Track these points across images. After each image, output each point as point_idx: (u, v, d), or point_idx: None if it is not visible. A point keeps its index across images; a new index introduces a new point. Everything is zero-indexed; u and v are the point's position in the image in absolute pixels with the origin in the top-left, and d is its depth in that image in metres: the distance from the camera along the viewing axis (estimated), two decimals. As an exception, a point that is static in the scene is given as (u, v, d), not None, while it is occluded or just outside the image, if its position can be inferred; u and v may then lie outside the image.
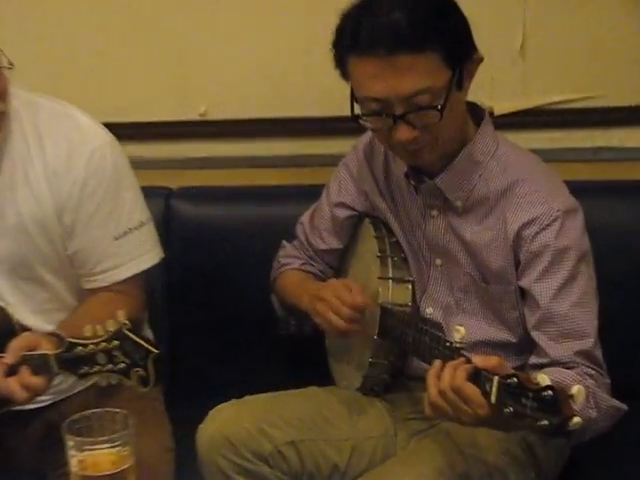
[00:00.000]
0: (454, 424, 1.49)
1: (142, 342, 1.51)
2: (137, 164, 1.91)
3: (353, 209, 1.93)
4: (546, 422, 1.26)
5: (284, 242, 2.06)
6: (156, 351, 1.51)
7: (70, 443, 1.45)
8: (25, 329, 1.72)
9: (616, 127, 2.28)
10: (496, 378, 1.34)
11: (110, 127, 1.85)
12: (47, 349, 1.58)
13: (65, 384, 1.83)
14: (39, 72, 2.31)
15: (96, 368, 1.53)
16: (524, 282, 1.67)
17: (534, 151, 1.81)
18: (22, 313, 1.78)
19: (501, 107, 2.25)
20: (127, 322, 1.51)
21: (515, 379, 1.31)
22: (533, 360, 1.65)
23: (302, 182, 2.30)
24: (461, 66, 1.59)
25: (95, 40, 2.38)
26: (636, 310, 2.07)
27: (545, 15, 2.23)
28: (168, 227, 2.23)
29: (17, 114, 1.76)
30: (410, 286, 1.81)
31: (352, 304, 1.71)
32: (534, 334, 1.65)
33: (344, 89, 1.65)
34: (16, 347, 1.60)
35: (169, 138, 2.43)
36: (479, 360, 1.40)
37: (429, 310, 1.80)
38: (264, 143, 2.39)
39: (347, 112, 1.64)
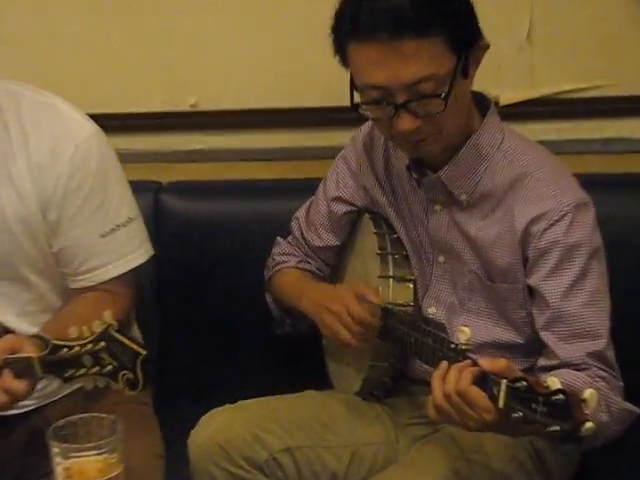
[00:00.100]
0: (459, 429, 1.48)
1: (130, 343, 1.50)
2: (125, 157, 1.90)
3: (352, 204, 1.92)
4: (557, 428, 1.25)
5: (278, 239, 2.06)
6: (144, 352, 1.50)
7: (55, 450, 1.44)
8: (8, 332, 1.71)
9: (627, 117, 2.28)
10: (504, 382, 1.34)
11: (96, 118, 1.83)
12: (30, 350, 1.57)
13: (50, 388, 1.82)
14: (23, 61, 2.31)
15: (82, 371, 1.52)
16: (532, 280, 1.66)
17: (541, 143, 1.80)
18: (5, 315, 1.78)
19: (507, 97, 2.24)
20: (114, 323, 1.51)
21: (524, 382, 1.31)
22: (542, 362, 1.65)
23: (298, 176, 2.29)
24: (467, 52, 1.58)
25: (80, 28, 2.37)
26: (651, 308, 2.06)
27: (553, 0, 2.23)
28: (158, 223, 2.22)
29: None
30: (412, 285, 1.80)
31: (363, 321, 1.70)
32: (543, 335, 1.65)
33: (344, 78, 1.64)
34: None
35: (158, 130, 2.42)
36: (486, 363, 1.40)
37: (431, 310, 1.80)
38: (258, 135, 2.39)
39: (347, 102, 1.63)
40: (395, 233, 1.85)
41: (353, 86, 1.62)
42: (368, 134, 1.89)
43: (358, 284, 1.79)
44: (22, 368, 1.56)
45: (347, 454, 1.78)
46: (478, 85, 1.69)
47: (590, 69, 2.25)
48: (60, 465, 1.44)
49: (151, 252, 1.89)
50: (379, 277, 1.80)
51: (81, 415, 1.49)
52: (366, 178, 1.89)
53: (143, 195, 2.06)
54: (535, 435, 1.48)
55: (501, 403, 1.34)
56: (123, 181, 1.85)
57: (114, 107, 2.36)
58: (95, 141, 1.79)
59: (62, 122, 1.77)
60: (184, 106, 2.39)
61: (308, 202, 2.01)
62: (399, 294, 1.78)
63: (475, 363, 1.42)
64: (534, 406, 1.28)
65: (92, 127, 1.81)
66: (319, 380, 1.96)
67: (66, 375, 1.53)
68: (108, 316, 1.51)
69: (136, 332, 1.98)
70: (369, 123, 1.85)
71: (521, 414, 1.30)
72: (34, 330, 1.74)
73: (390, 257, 1.82)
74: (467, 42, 1.59)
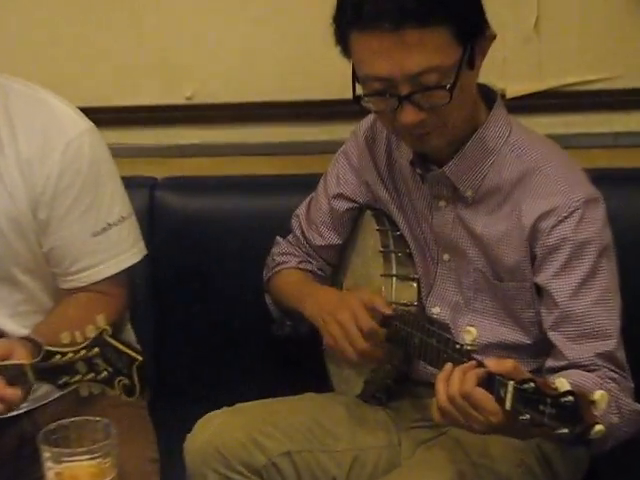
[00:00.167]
0: (464, 432, 1.48)
1: (124, 349, 1.50)
2: (118, 152, 1.90)
3: (353, 201, 1.92)
4: (566, 430, 1.25)
5: (278, 238, 2.05)
6: (140, 358, 1.51)
7: (46, 454, 1.44)
8: (1, 335, 1.71)
9: (636, 110, 2.28)
10: (511, 383, 1.33)
11: (88, 112, 1.83)
12: (21, 356, 1.57)
13: (40, 391, 1.82)
14: (15, 54, 2.31)
15: (77, 377, 1.52)
16: (540, 278, 1.65)
17: (549, 137, 1.80)
18: (-2, 317, 1.77)
19: (513, 89, 2.24)
20: (107, 328, 1.51)
21: (532, 384, 1.30)
22: (550, 363, 1.64)
23: (299, 171, 2.29)
24: (472, 42, 1.58)
25: (75, 21, 2.37)
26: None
27: (560, -9, 2.24)
28: (153, 220, 2.22)
29: None
30: (415, 284, 1.80)
31: (371, 333, 1.69)
32: (551, 335, 1.64)
33: (345, 70, 1.63)
34: None
35: (153, 124, 2.42)
36: (492, 364, 1.39)
37: (436, 309, 1.79)
38: (257, 129, 2.39)
39: (349, 95, 1.62)
40: (398, 230, 1.84)
41: (355, 77, 1.62)
42: (370, 128, 1.88)
43: (366, 291, 1.78)
44: (15, 375, 1.56)
45: (348, 459, 1.78)
46: (484, 78, 1.69)
47: (599, 61, 2.25)
48: (51, 470, 1.44)
49: (144, 252, 1.88)
50: (381, 276, 1.79)
51: (73, 419, 1.50)
52: (368, 173, 1.88)
53: (137, 191, 2.07)
54: (543, 437, 1.48)
55: (508, 405, 1.33)
56: (116, 178, 1.84)
57: (108, 100, 2.36)
58: (87, 138, 1.78)
59: (53, 117, 1.76)
60: (180, 99, 2.39)
61: (308, 199, 2.01)
62: (402, 293, 1.78)
63: (481, 364, 1.42)
64: (542, 408, 1.27)
65: (85, 123, 1.79)
66: (319, 382, 1.96)
67: (60, 382, 1.53)
68: (101, 321, 1.51)
69: (130, 333, 1.98)
70: (371, 117, 1.85)
71: (528, 416, 1.29)
72: (25, 332, 1.73)
73: (393, 255, 1.81)
74: (473, 32, 1.58)
